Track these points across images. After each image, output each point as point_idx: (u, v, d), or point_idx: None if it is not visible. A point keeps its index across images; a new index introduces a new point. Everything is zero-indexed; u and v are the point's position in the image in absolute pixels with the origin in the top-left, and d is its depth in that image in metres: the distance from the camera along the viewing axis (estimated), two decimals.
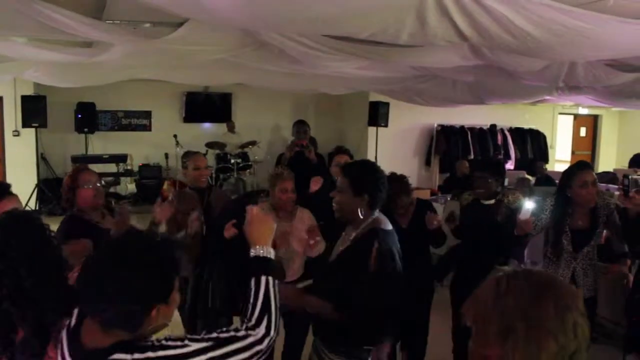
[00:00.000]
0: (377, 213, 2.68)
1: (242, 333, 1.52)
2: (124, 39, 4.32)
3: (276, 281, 1.66)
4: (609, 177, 10.53)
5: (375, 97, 11.10)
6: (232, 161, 11.18)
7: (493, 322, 1.25)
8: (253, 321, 1.56)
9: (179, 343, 1.44)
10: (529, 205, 3.61)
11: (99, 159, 10.30)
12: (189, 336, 1.47)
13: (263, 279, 1.63)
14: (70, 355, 1.48)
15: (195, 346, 1.44)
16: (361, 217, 2.61)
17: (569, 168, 3.88)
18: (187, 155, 4.38)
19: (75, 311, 1.55)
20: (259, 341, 1.53)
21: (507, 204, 4.02)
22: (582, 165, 3.80)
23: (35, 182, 9.53)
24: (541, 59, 4.62)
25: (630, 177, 3.43)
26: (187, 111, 12.14)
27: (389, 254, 2.55)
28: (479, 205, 4.11)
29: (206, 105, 12.35)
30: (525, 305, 1.23)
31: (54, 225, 2.88)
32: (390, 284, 2.54)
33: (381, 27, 3.49)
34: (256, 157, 11.83)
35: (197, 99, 12.19)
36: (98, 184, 3.31)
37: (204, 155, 4.71)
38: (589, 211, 3.65)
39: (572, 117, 15.49)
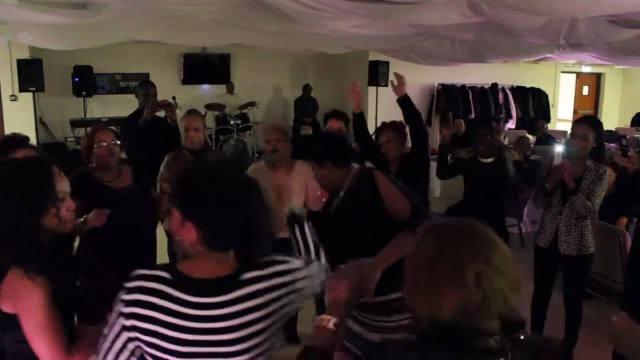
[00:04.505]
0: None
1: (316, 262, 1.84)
2: None
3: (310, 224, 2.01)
4: (612, 136, 10.49)
5: (375, 56, 10.95)
6: (232, 122, 11.14)
7: (406, 276, 1.32)
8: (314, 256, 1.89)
9: (286, 259, 1.64)
10: (558, 149, 3.65)
11: (97, 123, 10.22)
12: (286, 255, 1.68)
13: (305, 225, 1.97)
14: (187, 291, 1.49)
15: (297, 263, 1.66)
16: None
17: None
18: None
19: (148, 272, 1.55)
20: (324, 269, 1.81)
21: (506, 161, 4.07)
22: (579, 119, 3.92)
23: (35, 146, 9.50)
24: (541, 15, 4.54)
25: (627, 137, 3.46)
26: (185, 73, 12.02)
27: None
28: (478, 163, 4.14)
29: (204, 67, 12.21)
30: (427, 260, 1.26)
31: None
32: None
33: None
34: (256, 118, 11.78)
35: (195, 60, 12.06)
36: (112, 143, 3.37)
37: (203, 115, 4.61)
38: (582, 167, 3.72)
39: (574, 75, 15.33)
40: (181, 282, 1.50)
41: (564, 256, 3.79)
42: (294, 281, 1.59)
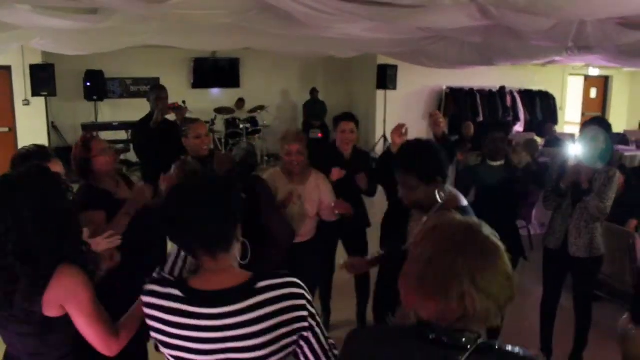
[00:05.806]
0: (448, 187, 2.46)
1: None
2: (127, 3, 4.30)
3: None
4: (619, 138, 10.46)
5: (383, 60, 11.01)
6: (242, 126, 11.21)
7: (404, 269, 1.29)
8: None
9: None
10: (572, 151, 3.64)
11: (109, 127, 10.36)
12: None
13: None
14: (202, 304, 1.56)
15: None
16: (440, 200, 2.36)
17: None
18: (187, 122, 4.14)
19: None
20: None
21: (516, 165, 4.08)
22: (588, 120, 3.91)
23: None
24: (549, 18, 4.55)
25: None
26: (195, 77, 12.15)
27: None
28: (487, 166, 4.16)
29: (214, 71, 12.33)
30: (421, 262, 1.24)
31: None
32: None
33: None
34: (265, 122, 11.84)
35: (205, 64, 12.17)
36: (111, 149, 3.29)
37: (213, 120, 4.58)
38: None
39: (582, 78, 15.29)
40: (194, 297, 1.58)
41: (574, 258, 3.78)
42: (305, 315, 1.58)
